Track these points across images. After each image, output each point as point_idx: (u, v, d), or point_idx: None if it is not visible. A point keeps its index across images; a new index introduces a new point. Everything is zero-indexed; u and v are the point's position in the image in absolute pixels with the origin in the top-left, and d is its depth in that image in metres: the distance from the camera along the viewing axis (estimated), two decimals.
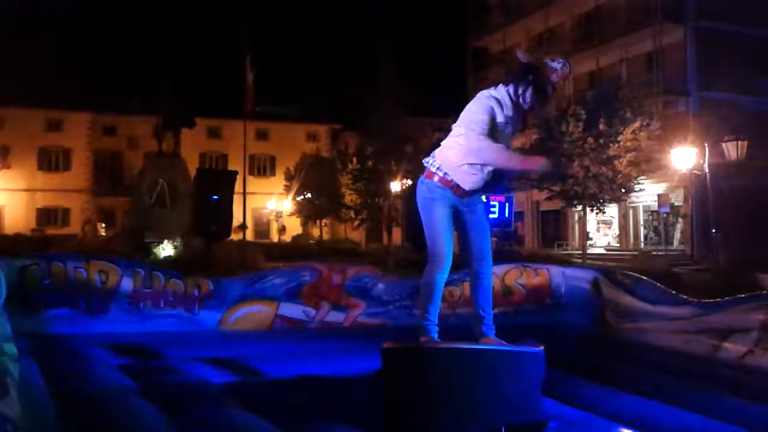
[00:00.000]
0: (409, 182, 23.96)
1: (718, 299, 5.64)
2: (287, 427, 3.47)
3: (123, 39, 54.49)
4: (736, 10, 25.00)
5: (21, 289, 5.16)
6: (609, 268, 7.79)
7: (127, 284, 5.45)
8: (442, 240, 3.73)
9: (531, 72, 3.60)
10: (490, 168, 3.67)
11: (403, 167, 23.02)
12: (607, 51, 28.46)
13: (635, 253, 25.87)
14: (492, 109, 3.60)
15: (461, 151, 3.67)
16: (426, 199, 3.76)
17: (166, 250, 16.56)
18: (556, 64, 3.58)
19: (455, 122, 3.77)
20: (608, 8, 29.16)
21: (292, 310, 5.94)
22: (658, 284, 6.40)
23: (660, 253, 24.77)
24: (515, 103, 3.64)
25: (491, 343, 3.79)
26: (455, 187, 3.74)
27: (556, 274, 6.96)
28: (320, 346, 5.77)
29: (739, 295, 5.56)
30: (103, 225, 35.99)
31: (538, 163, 3.82)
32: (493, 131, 3.59)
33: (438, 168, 3.77)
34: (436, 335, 3.79)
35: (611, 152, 17.46)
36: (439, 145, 3.88)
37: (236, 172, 11.55)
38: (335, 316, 6.08)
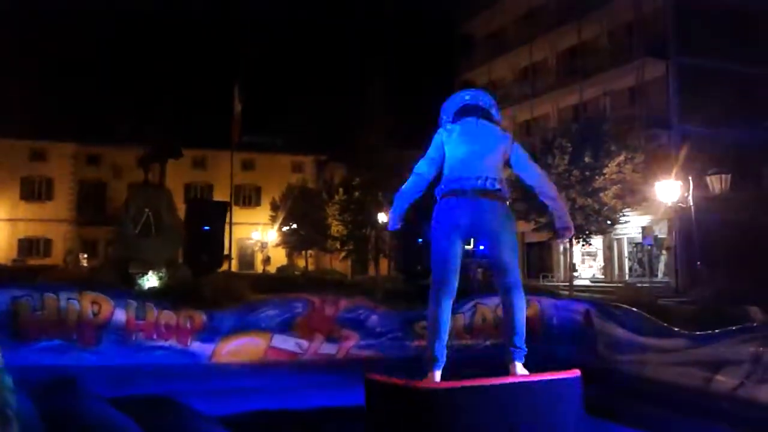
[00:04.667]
0: None
1: (710, 331, 5.68)
2: None
3: (108, 69, 54.52)
4: (716, 45, 25.57)
5: (12, 320, 5.09)
6: (600, 300, 7.82)
7: (120, 315, 5.40)
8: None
9: None
10: None
11: (389, 199, 23.08)
12: (590, 85, 28.96)
13: (620, 284, 25.97)
14: None
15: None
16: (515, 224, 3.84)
17: (151, 281, 16.39)
18: None
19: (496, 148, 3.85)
20: (591, 44, 29.75)
21: (284, 342, 5.90)
22: (650, 316, 6.43)
23: (644, 284, 24.89)
24: None
25: (514, 368, 3.65)
26: None
27: (547, 306, 6.99)
28: (313, 378, 5.74)
29: (730, 327, 5.61)
30: (85, 256, 35.62)
31: None
32: None
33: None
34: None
35: (597, 184, 17.69)
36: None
37: (228, 203, 11.56)
38: (328, 348, 6.05)
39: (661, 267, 28.00)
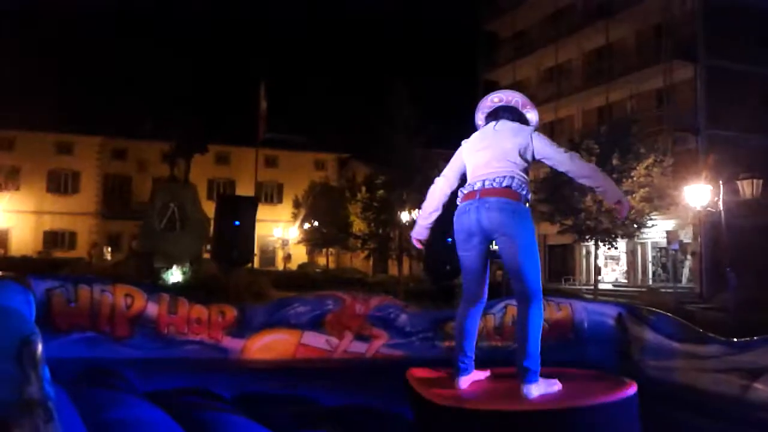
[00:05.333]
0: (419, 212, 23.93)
1: (747, 339, 5.57)
2: None
3: (135, 64, 55.07)
4: (745, 49, 25.22)
5: (46, 311, 5.12)
6: (633, 304, 7.71)
7: (153, 309, 5.41)
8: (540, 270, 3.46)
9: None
10: None
11: (413, 197, 22.99)
12: (617, 87, 28.65)
13: (643, 289, 25.72)
14: None
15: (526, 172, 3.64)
16: (533, 228, 3.48)
17: (175, 275, 16.52)
18: None
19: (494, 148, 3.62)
20: (618, 45, 29.43)
21: (314, 339, 5.87)
22: (684, 321, 6.33)
23: (668, 290, 24.61)
24: None
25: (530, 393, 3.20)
26: None
27: (578, 309, 6.89)
28: (343, 375, 5.71)
29: None
30: (109, 249, 35.99)
31: None
32: None
33: (528, 197, 3.65)
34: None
35: (624, 187, 17.49)
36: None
37: (257, 199, 11.56)
38: (358, 347, 6.01)
39: (686, 272, 27.66)
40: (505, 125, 3.72)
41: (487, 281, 3.57)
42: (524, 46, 34.42)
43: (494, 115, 3.86)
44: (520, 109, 3.88)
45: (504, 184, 3.47)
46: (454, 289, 12.69)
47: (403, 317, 6.22)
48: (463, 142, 3.79)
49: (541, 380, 3.21)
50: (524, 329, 3.27)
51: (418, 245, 3.96)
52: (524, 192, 3.50)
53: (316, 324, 5.91)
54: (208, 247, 20.38)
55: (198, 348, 5.42)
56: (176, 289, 12.39)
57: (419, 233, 3.98)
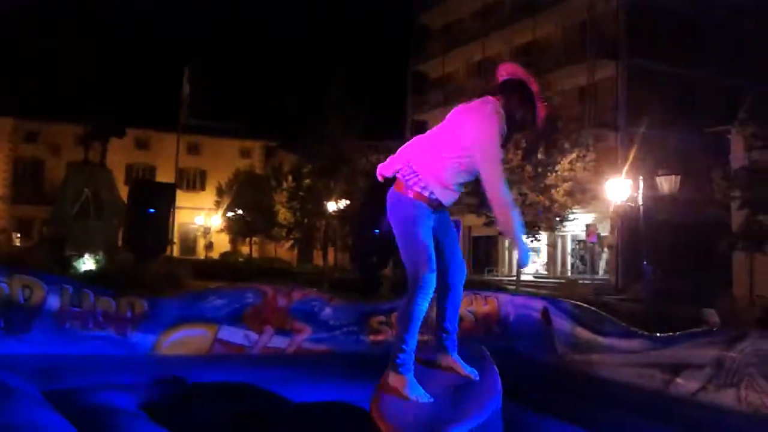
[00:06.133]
0: (347, 202, 23.76)
1: (670, 334, 5.61)
2: None
3: (50, 43, 52.36)
4: (664, 50, 26.11)
5: None
6: (557, 297, 7.72)
7: (54, 302, 4.96)
8: (433, 262, 3.36)
9: (520, 87, 3.42)
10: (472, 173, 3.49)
11: (340, 187, 22.78)
12: (543, 83, 29.12)
13: (562, 280, 26.35)
14: (501, 131, 3.35)
15: (454, 173, 3.45)
16: (413, 217, 3.42)
17: (87, 264, 15.74)
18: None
19: (430, 133, 3.57)
20: (545, 41, 29.96)
21: (233, 334, 5.55)
22: (609, 316, 6.35)
23: (586, 281, 25.31)
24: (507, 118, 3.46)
25: (452, 362, 3.51)
26: (434, 202, 3.52)
27: (504, 303, 6.83)
28: (262, 373, 5.43)
29: (692, 330, 5.55)
30: (18, 235, 34.22)
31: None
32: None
33: (424, 188, 3.51)
34: (410, 372, 3.49)
35: (549, 181, 17.74)
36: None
37: (175, 185, 11.03)
38: (279, 341, 5.73)
39: (602, 264, 28.52)
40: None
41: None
42: (454, 39, 34.64)
43: None
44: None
45: (398, 175, 3.52)
46: (380, 280, 12.54)
47: (328, 310, 5.98)
48: (502, 124, 3.57)
49: (408, 380, 3.25)
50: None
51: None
52: (411, 182, 3.45)
53: (234, 318, 5.59)
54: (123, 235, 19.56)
55: (103, 344, 5.02)
56: (88, 279, 11.74)
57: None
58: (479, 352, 3.95)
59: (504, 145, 3.44)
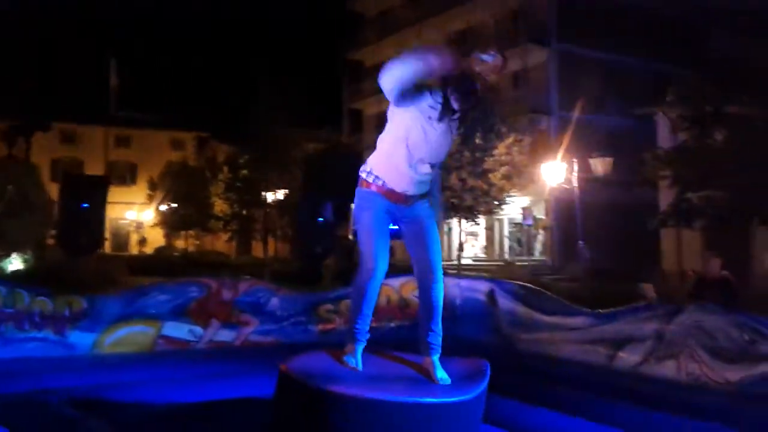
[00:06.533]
0: (286, 192, 23.51)
1: (612, 309, 5.76)
2: None
3: None
4: (592, 35, 26.78)
5: None
6: (500, 278, 7.83)
7: None
8: (370, 247, 3.52)
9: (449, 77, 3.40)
10: (419, 162, 3.47)
11: (277, 177, 22.53)
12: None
13: (501, 263, 26.86)
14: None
15: (392, 149, 3.48)
16: (357, 208, 3.59)
17: (15, 263, 15.15)
18: (487, 57, 3.36)
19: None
20: (479, 28, 30.26)
21: (177, 329, 5.41)
22: (552, 295, 6.47)
23: (523, 263, 25.87)
24: (445, 104, 3.44)
25: (428, 363, 3.61)
26: (390, 193, 3.53)
27: (451, 286, 6.86)
28: (209, 368, 5.32)
29: (633, 305, 5.72)
30: None
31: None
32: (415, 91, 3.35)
33: (368, 173, 3.56)
34: (360, 345, 3.61)
35: (487, 166, 18.02)
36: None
37: (108, 179, 10.65)
38: (226, 335, 5.61)
39: (538, 246, 29.21)
40: None
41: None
42: (388, 27, 34.59)
43: None
44: None
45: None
46: (321, 270, 12.48)
47: (275, 301, 5.90)
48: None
49: (351, 348, 3.62)
50: (433, 304, 3.65)
51: None
52: (365, 174, 3.58)
53: (178, 313, 5.44)
54: (53, 232, 18.86)
55: (41, 345, 4.81)
56: (17, 279, 11.27)
57: None
58: (478, 369, 3.89)
59: (452, 129, 3.48)
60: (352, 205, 3.71)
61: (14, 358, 4.66)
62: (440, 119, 3.41)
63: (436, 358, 3.64)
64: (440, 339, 3.73)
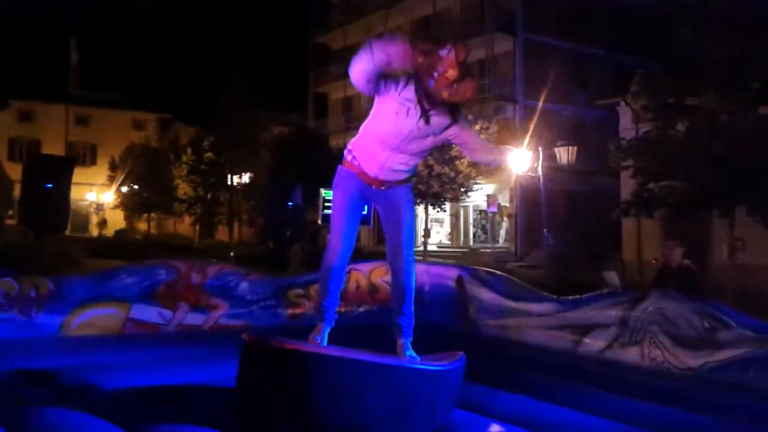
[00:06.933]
0: (251, 175, 23.30)
1: (578, 296, 5.87)
2: None
3: None
4: (557, 25, 27.04)
5: None
6: (465, 265, 7.92)
7: None
8: (337, 228, 3.65)
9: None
10: (392, 150, 3.50)
11: (243, 160, 22.30)
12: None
13: (465, 250, 27.12)
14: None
15: (369, 133, 3.59)
16: (334, 185, 3.69)
17: None
18: (443, 52, 3.33)
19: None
20: (445, 14, 30.30)
21: (145, 312, 5.36)
22: (519, 281, 6.57)
23: (487, 250, 26.16)
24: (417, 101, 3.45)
25: (398, 345, 3.76)
26: (362, 174, 3.58)
27: (420, 272, 6.90)
28: (178, 351, 5.29)
29: (599, 292, 5.84)
30: None
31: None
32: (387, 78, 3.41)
33: (349, 152, 3.64)
34: (328, 325, 3.70)
35: (453, 153, 18.12)
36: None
37: (74, 159, 10.42)
38: (194, 318, 5.57)
39: (503, 233, 29.54)
40: None
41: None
42: (355, 11, 34.42)
43: None
44: None
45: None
46: (288, 255, 12.45)
47: (244, 285, 5.87)
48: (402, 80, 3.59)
49: (319, 327, 3.77)
50: (404, 286, 3.80)
51: None
52: (347, 153, 3.68)
53: (146, 296, 5.38)
54: (10, 212, 18.43)
55: (7, 327, 4.72)
56: None
57: None
58: (454, 358, 4.00)
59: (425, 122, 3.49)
60: (321, 190, 3.83)
61: None
62: (410, 115, 3.43)
63: (406, 340, 3.69)
64: (412, 322, 3.79)
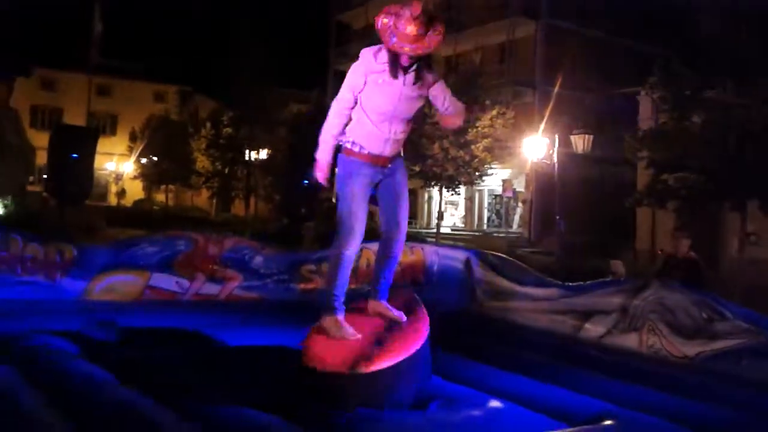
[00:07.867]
0: (269, 152, 23.52)
1: (581, 282, 6.03)
2: (173, 404, 3.26)
3: None
4: (582, 10, 26.80)
5: None
6: (476, 248, 8.08)
7: None
8: (353, 218, 3.69)
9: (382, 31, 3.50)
10: (389, 121, 3.67)
11: (262, 136, 22.49)
12: (464, 39, 29.41)
13: (478, 233, 27.23)
14: (361, 74, 3.61)
15: (362, 117, 3.70)
16: (340, 176, 3.74)
17: None
18: (403, 10, 3.42)
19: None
20: None
21: (164, 280, 5.59)
22: (526, 266, 6.72)
23: (501, 234, 26.26)
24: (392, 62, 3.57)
25: (380, 307, 3.92)
26: (370, 158, 3.71)
27: (430, 253, 7.10)
28: (195, 319, 5.52)
29: (602, 279, 5.98)
30: None
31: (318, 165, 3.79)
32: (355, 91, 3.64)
33: (351, 142, 3.72)
34: (341, 313, 3.78)
35: (469, 137, 18.18)
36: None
37: (99, 130, 10.68)
38: (210, 289, 5.81)
39: (517, 219, 29.60)
40: None
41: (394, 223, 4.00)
42: None
43: None
44: None
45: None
46: (302, 232, 12.67)
47: (259, 259, 6.08)
48: (364, 67, 3.73)
49: (337, 320, 3.70)
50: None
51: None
52: (348, 144, 3.74)
53: (165, 265, 5.62)
54: (31, 179, 18.78)
55: (32, 289, 4.97)
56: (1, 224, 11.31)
57: None
58: (410, 296, 4.23)
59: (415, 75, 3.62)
60: (336, 169, 3.85)
61: (6, 299, 4.82)
62: (394, 76, 3.55)
63: (385, 300, 3.98)
64: (388, 286, 4.02)
